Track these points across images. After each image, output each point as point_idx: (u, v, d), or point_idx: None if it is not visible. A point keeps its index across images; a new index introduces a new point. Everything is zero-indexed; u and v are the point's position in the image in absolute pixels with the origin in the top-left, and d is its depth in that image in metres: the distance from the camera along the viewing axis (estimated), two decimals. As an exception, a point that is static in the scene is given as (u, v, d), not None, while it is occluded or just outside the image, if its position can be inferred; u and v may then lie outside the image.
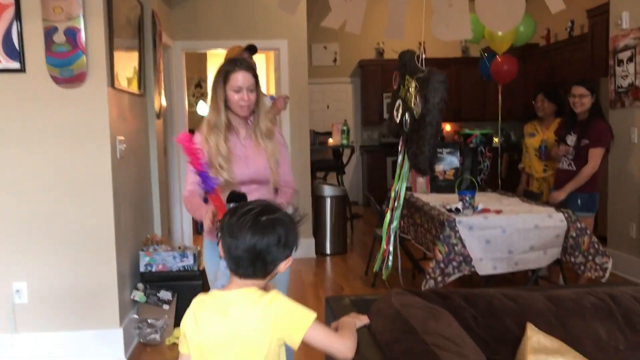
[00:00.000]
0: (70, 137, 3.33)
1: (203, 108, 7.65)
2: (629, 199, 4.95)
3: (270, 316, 1.49)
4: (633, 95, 4.83)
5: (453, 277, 3.66)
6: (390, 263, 2.72)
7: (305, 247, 6.08)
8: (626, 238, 4.97)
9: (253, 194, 2.35)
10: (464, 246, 3.63)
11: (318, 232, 6.14)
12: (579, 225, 3.71)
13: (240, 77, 2.43)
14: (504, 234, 3.66)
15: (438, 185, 4.83)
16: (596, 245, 3.71)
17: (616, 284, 1.98)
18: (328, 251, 6.15)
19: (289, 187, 2.66)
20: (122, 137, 3.58)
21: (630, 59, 4.85)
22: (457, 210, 3.82)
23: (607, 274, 3.69)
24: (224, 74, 2.46)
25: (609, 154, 5.11)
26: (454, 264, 3.63)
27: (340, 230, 6.17)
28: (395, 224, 2.71)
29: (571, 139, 4.22)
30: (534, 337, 1.53)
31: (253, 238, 1.51)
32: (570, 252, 3.73)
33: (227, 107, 2.47)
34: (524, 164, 5.00)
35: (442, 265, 3.64)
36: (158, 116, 4.60)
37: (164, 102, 4.90)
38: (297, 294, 4.83)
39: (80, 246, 3.38)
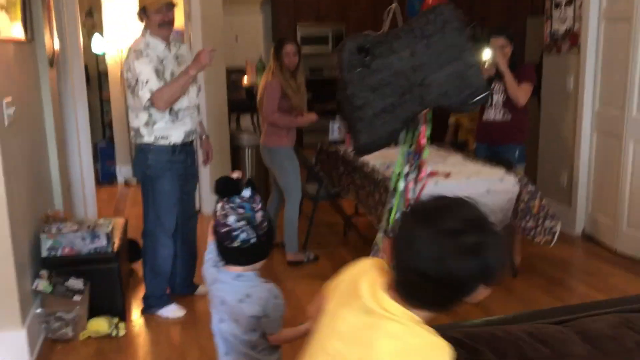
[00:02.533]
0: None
1: (100, 44, 6.75)
2: (560, 148, 4.87)
3: None
4: (571, 41, 4.64)
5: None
6: None
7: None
8: (557, 187, 4.92)
9: None
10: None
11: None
12: (530, 188, 3.53)
13: None
14: (454, 200, 3.40)
15: (373, 139, 4.48)
16: (545, 208, 3.55)
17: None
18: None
19: None
20: (9, 99, 2.90)
21: (569, 2, 4.62)
22: (404, 175, 3.50)
23: (555, 238, 3.56)
24: None
25: (540, 104, 5.03)
26: (404, 234, 3.34)
27: (262, 183, 5.73)
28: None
29: (498, 85, 4.01)
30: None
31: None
32: (521, 216, 3.55)
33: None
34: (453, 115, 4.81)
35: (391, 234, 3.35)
36: (51, 64, 3.86)
37: (57, 46, 4.13)
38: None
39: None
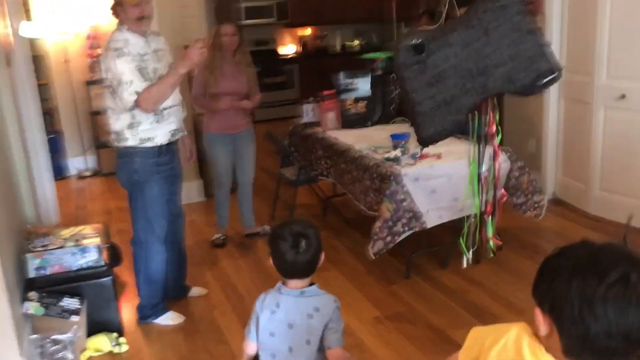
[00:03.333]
0: None
1: (28, 29, 6.24)
2: (527, 115, 4.96)
3: None
4: (535, 7, 4.67)
5: (403, 236, 3.37)
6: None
7: (192, 190, 5.44)
8: (525, 153, 5.02)
9: None
10: (412, 201, 3.32)
11: (205, 173, 5.48)
12: (519, 164, 3.57)
13: None
14: (449, 182, 3.41)
15: (350, 120, 4.41)
16: (534, 183, 3.62)
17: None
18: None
19: None
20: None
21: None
22: (397, 160, 3.47)
23: (544, 212, 3.66)
24: None
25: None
26: (404, 220, 3.33)
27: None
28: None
29: None
30: None
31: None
32: (512, 192, 3.60)
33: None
34: None
35: (390, 223, 3.33)
36: (8, 63, 3.54)
37: (12, 38, 3.78)
38: (203, 249, 4.30)
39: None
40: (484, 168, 2.42)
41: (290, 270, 1.84)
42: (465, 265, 3.05)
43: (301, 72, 9.14)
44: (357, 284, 3.66)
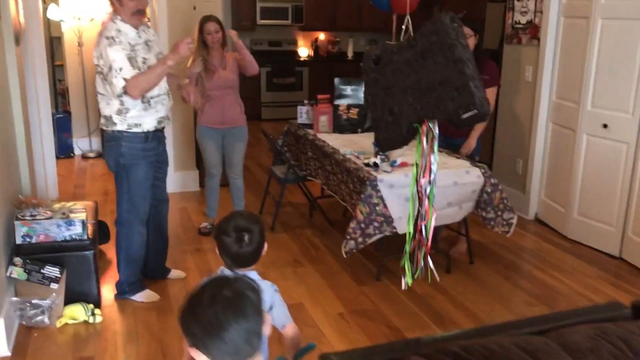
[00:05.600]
0: None
1: (56, 12, 6.50)
2: (517, 136, 5.09)
3: None
4: (531, 34, 4.82)
5: (374, 238, 3.52)
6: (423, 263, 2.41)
7: (188, 180, 5.63)
8: (512, 173, 5.17)
9: None
10: (385, 206, 3.48)
11: (201, 163, 5.66)
12: (492, 180, 3.71)
13: None
14: (424, 191, 3.55)
15: (341, 125, 4.58)
16: (505, 201, 3.75)
17: (612, 312, 1.92)
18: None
19: None
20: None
21: (531, -4, 4.79)
22: (375, 165, 3.63)
23: (512, 229, 3.79)
24: None
25: (498, 92, 5.20)
26: (375, 224, 3.48)
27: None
28: (431, 218, 2.35)
29: None
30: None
31: None
32: (482, 206, 3.75)
33: None
34: None
35: (362, 225, 3.48)
36: (17, 42, 3.74)
37: (22, 19, 3.99)
38: (189, 235, 4.47)
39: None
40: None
41: (235, 261, 1.94)
42: (403, 287, 2.74)
43: (311, 75, 9.32)
44: (330, 282, 3.81)
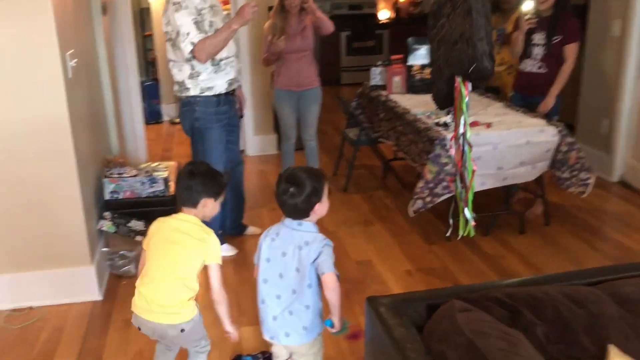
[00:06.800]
0: (9, 64, 2.80)
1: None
2: (602, 95, 4.86)
3: None
4: (619, -15, 4.55)
5: (442, 198, 3.53)
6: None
7: (267, 143, 5.81)
8: (596, 134, 4.95)
9: None
10: (455, 165, 3.46)
11: (278, 127, 5.81)
12: (568, 139, 3.59)
13: None
14: (495, 150, 3.50)
15: (415, 85, 4.55)
16: (582, 161, 3.63)
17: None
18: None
19: None
20: (72, 51, 3.05)
21: (620, -56, 4.49)
22: (446, 125, 3.61)
23: (589, 190, 3.66)
24: None
25: (583, 48, 4.96)
26: (444, 183, 3.48)
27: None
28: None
29: (539, 37, 3.95)
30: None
31: None
32: (557, 166, 3.64)
33: None
34: None
35: (431, 185, 3.50)
36: (104, 11, 3.98)
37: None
38: (266, 195, 4.64)
39: (39, 181, 2.99)
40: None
41: (282, 209, 2.01)
42: (448, 234, 2.98)
43: (392, 38, 9.21)
44: (399, 240, 3.86)
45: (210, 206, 2.25)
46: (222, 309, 2.22)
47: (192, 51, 3.22)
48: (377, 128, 4.56)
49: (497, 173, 3.56)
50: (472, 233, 2.54)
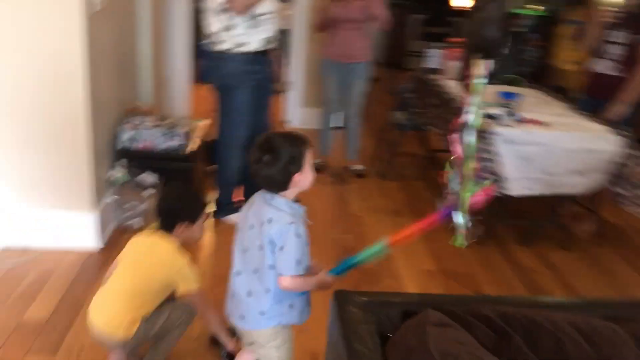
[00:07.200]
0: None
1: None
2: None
3: None
4: None
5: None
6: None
7: (312, 117, 5.55)
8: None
9: None
10: (499, 162, 3.11)
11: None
12: (635, 152, 3.17)
13: None
14: (547, 152, 3.13)
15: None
16: (647, 177, 3.20)
17: None
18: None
19: None
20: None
21: None
22: (497, 117, 3.25)
23: (649, 210, 3.24)
24: None
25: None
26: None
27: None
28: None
29: (620, 35, 3.50)
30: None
31: None
32: (617, 181, 3.23)
33: None
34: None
35: (469, 181, 3.16)
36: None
37: None
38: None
39: (50, 118, 2.85)
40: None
41: (256, 180, 1.69)
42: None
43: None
44: (427, 237, 3.53)
45: (188, 231, 2.14)
46: (214, 328, 2.19)
47: (228, 1, 3.00)
48: (427, 114, 4.23)
49: (547, 179, 3.19)
50: (463, 243, 2.05)
